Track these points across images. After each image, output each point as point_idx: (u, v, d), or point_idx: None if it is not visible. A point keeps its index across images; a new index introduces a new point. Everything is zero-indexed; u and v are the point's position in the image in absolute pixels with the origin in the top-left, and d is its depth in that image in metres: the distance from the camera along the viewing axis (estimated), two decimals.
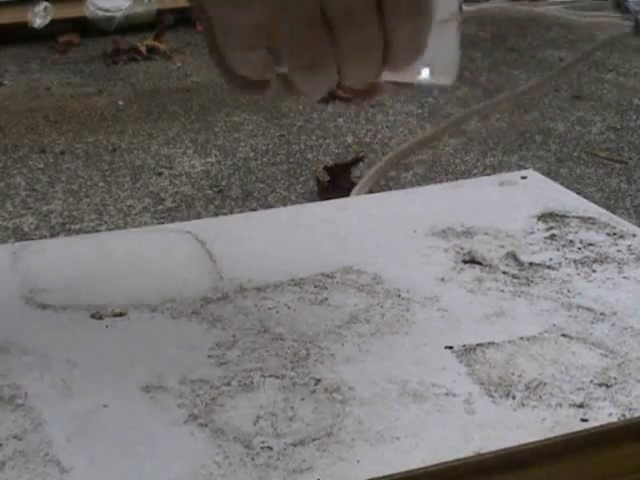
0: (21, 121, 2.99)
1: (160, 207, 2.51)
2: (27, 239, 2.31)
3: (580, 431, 0.54)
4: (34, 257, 0.73)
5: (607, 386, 0.57)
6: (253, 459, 0.52)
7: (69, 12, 3.82)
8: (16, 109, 3.05)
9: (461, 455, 0.51)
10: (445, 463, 0.51)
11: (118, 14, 3.47)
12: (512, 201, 0.83)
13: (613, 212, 0.79)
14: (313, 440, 0.53)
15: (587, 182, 2.69)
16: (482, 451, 0.52)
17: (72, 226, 2.44)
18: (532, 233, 0.77)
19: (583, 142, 2.99)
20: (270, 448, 0.52)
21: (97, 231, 2.07)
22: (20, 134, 2.91)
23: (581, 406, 0.56)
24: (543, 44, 3.88)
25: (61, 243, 0.82)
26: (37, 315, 0.66)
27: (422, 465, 0.51)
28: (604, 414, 0.55)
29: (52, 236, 2.27)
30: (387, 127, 2.87)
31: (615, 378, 0.58)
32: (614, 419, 0.55)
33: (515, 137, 3.01)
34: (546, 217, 0.80)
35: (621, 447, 0.55)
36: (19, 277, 0.70)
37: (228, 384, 0.58)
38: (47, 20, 3.78)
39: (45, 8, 3.77)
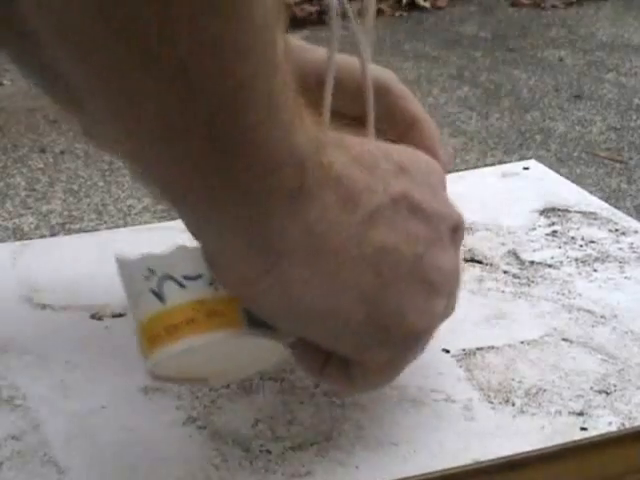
0: (21, 121, 3.00)
1: (160, 207, 2.51)
2: (27, 239, 2.31)
3: (579, 440, 0.53)
4: (33, 257, 0.72)
5: (607, 393, 0.57)
6: (251, 463, 0.52)
7: None
8: (16, 109, 3.05)
9: (460, 462, 0.51)
10: (444, 470, 0.51)
11: None
12: (514, 194, 0.82)
13: (625, 215, 0.79)
14: (312, 444, 0.53)
15: (587, 182, 2.69)
16: (481, 459, 0.52)
17: (72, 226, 2.44)
18: (533, 229, 0.76)
19: (583, 142, 3.00)
20: (269, 452, 0.52)
21: (97, 231, 2.07)
22: (20, 134, 2.91)
23: (580, 414, 0.55)
24: (543, 44, 3.88)
25: (60, 242, 0.82)
26: (36, 315, 0.65)
27: (421, 472, 0.51)
28: (604, 422, 0.55)
29: (52, 236, 2.27)
30: None
31: (615, 385, 0.58)
32: (613, 428, 0.54)
33: (515, 137, 3.01)
34: (548, 212, 0.79)
35: (620, 457, 0.55)
36: (18, 277, 0.70)
37: (227, 386, 0.58)
38: None
39: None
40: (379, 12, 4.10)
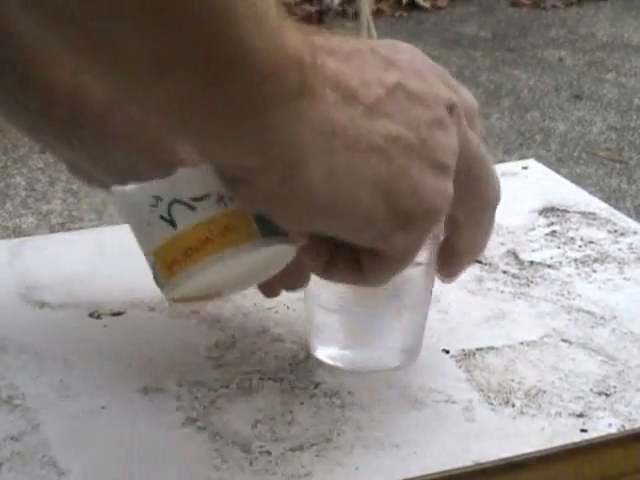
0: None
1: None
2: None
3: (579, 442, 0.53)
4: (32, 254, 0.72)
5: (606, 395, 0.57)
6: (251, 463, 0.51)
7: None
8: None
9: (460, 464, 0.51)
10: (444, 472, 0.51)
11: None
12: (513, 194, 0.82)
13: (624, 215, 0.79)
14: (312, 445, 0.53)
15: (587, 182, 2.69)
16: (481, 460, 0.51)
17: (72, 225, 2.44)
18: (533, 229, 0.76)
19: (583, 142, 3.00)
20: (269, 452, 0.52)
21: (96, 227, 2.06)
22: (20, 134, 2.91)
23: (580, 415, 0.55)
24: (543, 44, 3.88)
25: (59, 239, 0.82)
26: (34, 313, 0.65)
27: (421, 474, 0.50)
28: (604, 424, 0.54)
29: None
30: None
31: (615, 387, 0.58)
32: (613, 430, 0.54)
33: (515, 137, 3.01)
34: (547, 212, 0.79)
35: (620, 458, 0.55)
36: (16, 274, 0.69)
37: (227, 387, 0.58)
38: None
39: None
40: (379, 12, 4.11)
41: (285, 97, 0.44)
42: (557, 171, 0.90)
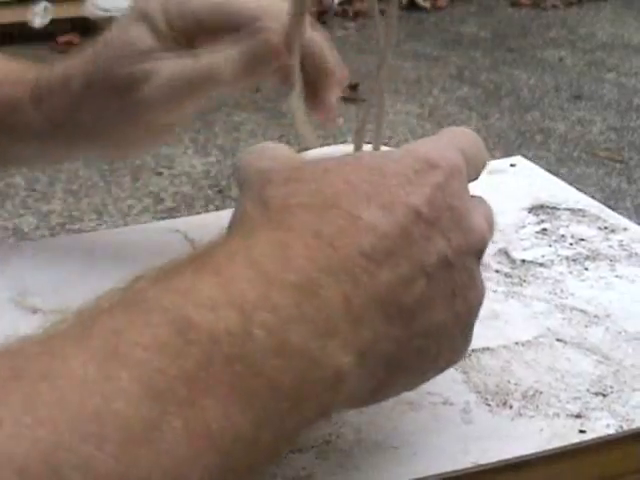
0: None
1: (160, 207, 2.51)
2: (27, 239, 2.31)
3: (578, 443, 0.53)
4: (23, 259, 0.72)
5: (603, 395, 0.57)
6: None
7: (69, 12, 3.83)
8: None
9: (459, 466, 0.51)
10: (444, 474, 0.51)
11: (118, 14, 3.47)
12: (502, 192, 0.82)
13: (613, 212, 0.79)
14: (311, 447, 0.53)
15: (587, 182, 2.69)
16: (480, 462, 0.51)
17: (72, 226, 2.44)
18: (523, 227, 0.76)
19: (583, 142, 3.00)
20: None
21: (93, 231, 2.06)
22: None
23: (578, 416, 0.55)
24: (543, 44, 3.88)
25: (50, 243, 0.81)
26: (27, 319, 0.65)
27: (421, 475, 0.50)
28: (601, 425, 0.54)
29: (52, 236, 2.27)
30: (387, 127, 2.87)
31: (611, 387, 0.57)
32: (612, 431, 0.54)
33: (515, 137, 3.01)
34: (537, 209, 0.79)
35: (619, 459, 0.55)
36: (8, 280, 0.69)
37: None
38: (47, 20, 3.78)
39: (45, 8, 3.78)
40: (379, 12, 4.11)
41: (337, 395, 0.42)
42: (557, 171, 0.91)
